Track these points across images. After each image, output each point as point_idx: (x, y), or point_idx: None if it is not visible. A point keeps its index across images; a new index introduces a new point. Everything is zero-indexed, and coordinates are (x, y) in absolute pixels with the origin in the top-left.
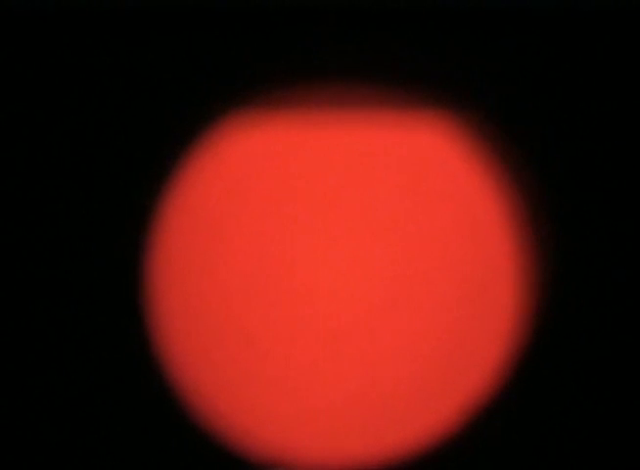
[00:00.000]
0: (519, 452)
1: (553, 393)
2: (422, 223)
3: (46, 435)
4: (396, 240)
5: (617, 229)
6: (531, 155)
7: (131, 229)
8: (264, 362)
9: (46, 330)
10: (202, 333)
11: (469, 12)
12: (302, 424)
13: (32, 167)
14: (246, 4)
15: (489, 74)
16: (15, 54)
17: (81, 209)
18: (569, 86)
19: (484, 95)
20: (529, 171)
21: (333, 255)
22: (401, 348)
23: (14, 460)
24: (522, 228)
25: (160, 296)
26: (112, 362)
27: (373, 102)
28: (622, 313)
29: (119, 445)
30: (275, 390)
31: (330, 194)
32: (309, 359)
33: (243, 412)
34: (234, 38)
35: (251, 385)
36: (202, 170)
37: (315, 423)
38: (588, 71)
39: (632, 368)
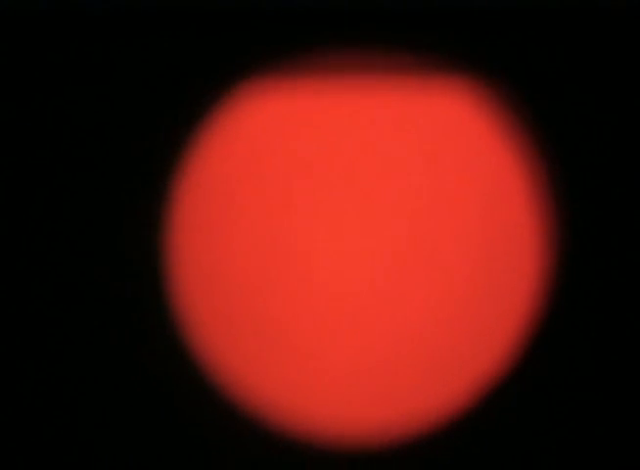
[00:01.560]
0: (526, 432)
1: (565, 374)
2: (442, 191)
3: (71, 418)
4: (416, 208)
5: (637, 208)
6: (555, 124)
7: (148, 204)
8: (283, 333)
9: (67, 316)
10: (220, 305)
11: None
12: (315, 393)
13: (45, 150)
14: None
15: (514, 41)
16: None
17: (97, 186)
18: (596, 58)
19: (509, 61)
20: (552, 140)
21: (351, 224)
22: (417, 320)
23: (44, 442)
24: (543, 199)
25: (178, 269)
26: (135, 342)
27: (394, 67)
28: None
29: (145, 421)
30: (293, 358)
31: (350, 161)
32: (326, 330)
33: (263, 381)
34: (248, 5)
35: (270, 354)
36: (217, 139)
37: (330, 392)
38: (619, 46)
39: None
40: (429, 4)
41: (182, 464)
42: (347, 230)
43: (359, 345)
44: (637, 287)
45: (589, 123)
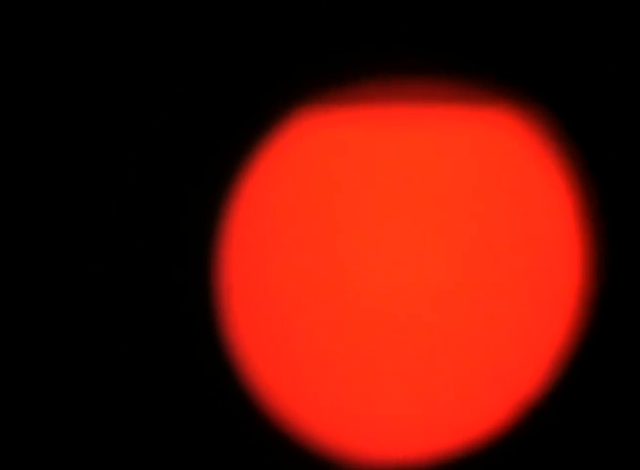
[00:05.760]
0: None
1: (608, 392)
2: (490, 218)
3: (119, 430)
4: (463, 235)
5: None
6: (599, 151)
7: (201, 225)
8: (333, 358)
9: (114, 326)
10: (270, 327)
11: (538, 9)
12: (359, 420)
13: (103, 156)
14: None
15: (560, 70)
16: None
17: (152, 205)
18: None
19: (553, 91)
20: (596, 167)
21: (399, 249)
22: (462, 342)
23: (84, 452)
24: (588, 226)
25: (229, 292)
26: (183, 359)
27: (441, 98)
28: None
29: (192, 442)
30: (341, 386)
31: (398, 188)
32: (371, 353)
33: (309, 408)
34: (302, 33)
35: (319, 381)
36: (269, 166)
37: (377, 419)
38: None
39: None
40: (473, 37)
41: None
42: (395, 257)
43: (402, 366)
44: None
45: (631, 147)
